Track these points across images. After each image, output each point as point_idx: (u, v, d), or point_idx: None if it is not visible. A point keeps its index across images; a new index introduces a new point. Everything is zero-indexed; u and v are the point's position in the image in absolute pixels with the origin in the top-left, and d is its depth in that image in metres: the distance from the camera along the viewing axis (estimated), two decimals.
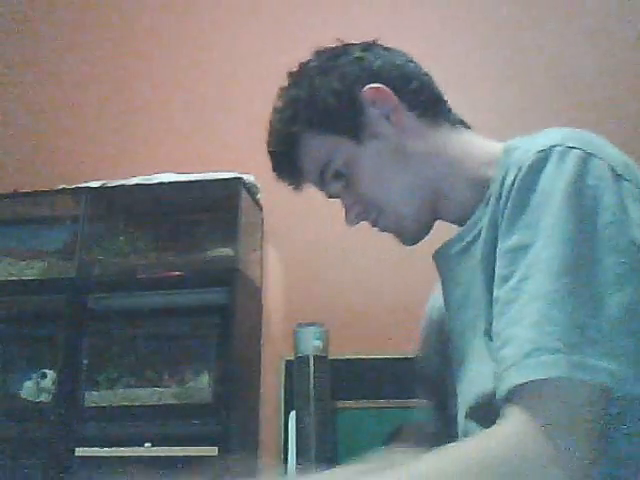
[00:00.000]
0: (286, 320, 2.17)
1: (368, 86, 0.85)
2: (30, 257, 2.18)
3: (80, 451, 1.87)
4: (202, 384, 1.98)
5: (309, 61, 0.93)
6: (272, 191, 2.35)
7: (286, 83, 0.95)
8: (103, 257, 2.11)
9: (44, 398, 1.99)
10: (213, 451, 1.80)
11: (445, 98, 0.91)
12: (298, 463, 1.86)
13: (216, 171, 2.13)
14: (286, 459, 1.98)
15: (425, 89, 0.88)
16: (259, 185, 2.22)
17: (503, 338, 0.64)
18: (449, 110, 0.90)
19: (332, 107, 0.87)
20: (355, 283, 2.18)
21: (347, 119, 0.86)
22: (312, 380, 1.89)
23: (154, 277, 2.04)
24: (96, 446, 1.88)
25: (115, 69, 2.61)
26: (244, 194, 2.12)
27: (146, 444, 1.85)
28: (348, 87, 0.87)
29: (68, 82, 2.63)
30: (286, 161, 0.95)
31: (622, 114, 2.22)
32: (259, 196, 2.24)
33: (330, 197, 0.95)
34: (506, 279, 0.66)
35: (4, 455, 1.93)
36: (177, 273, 2.03)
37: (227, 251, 2.06)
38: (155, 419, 1.90)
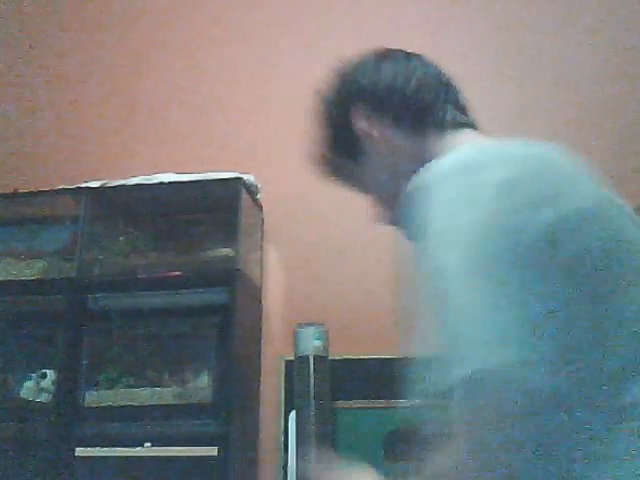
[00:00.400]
0: (286, 320, 2.17)
1: (353, 109, 0.94)
2: (30, 257, 2.18)
3: (80, 451, 1.87)
4: (202, 384, 1.98)
5: (323, 92, 1.02)
6: (272, 191, 2.37)
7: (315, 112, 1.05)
8: (103, 257, 2.11)
9: (44, 398, 1.99)
10: (213, 451, 1.80)
11: (438, 108, 0.94)
12: (298, 463, 1.86)
13: (216, 171, 2.13)
14: (286, 459, 1.98)
15: (409, 102, 0.93)
16: (259, 185, 2.22)
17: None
18: (439, 115, 0.93)
19: (332, 138, 0.99)
20: (355, 283, 2.18)
21: (346, 145, 0.97)
22: (312, 380, 1.89)
23: (154, 277, 2.04)
24: (96, 446, 1.88)
25: (115, 69, 2.61)
26: (244, 194, 2.11)
27: (146, 444, 1.85)
28: (340, 117, 0.96)
29: (68, 82, 2.63)
30: (329, 176, 1.06)
31: (622, 114, 2.22)
32: (259, 196, 2.24)
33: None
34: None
35: (4, 455, 1.93)
36: (177, 273, 2.03)
37: (227, 251, 2.06)
38: (155, 419, 1.90)
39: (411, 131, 0.92)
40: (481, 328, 0.65)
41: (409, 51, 1.00)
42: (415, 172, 0.85)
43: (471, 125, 0.95)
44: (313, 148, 1.03)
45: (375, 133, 0.93)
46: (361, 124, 0.94)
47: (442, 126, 0.92)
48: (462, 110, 0.97)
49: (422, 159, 0.87)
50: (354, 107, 0.94)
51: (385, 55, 0.98)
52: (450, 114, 0.94)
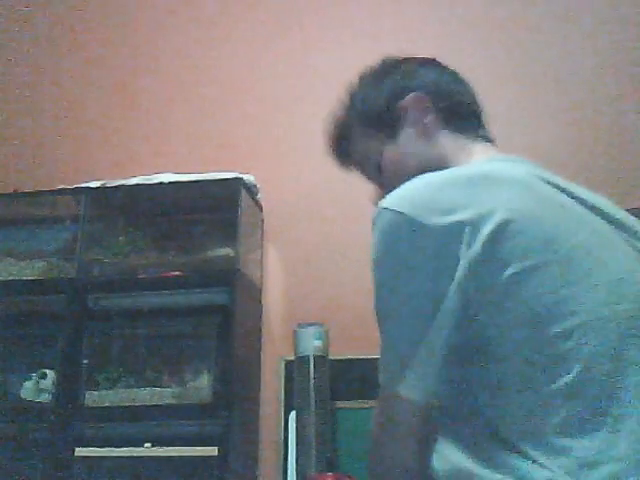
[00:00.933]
0: (286, 320, 2.17)
1: (413, 94, 1.02)
2: (30, 257, 2.17)
3: (80, 451, 1.87)
4: (202, 384, 1.98)
5: (375, 65, 1.10)
6: (272, 191, 2.37)
7: (356, 80, 1.11)
8: (103, 257, 2.11)
9: (44, 398, 1.99)
10: (213, 451, 1.80)
11: (481, 117, 1.06)
12: (298, 463, 1.86)
13: (216, 171, 2.13)
14: (286, 459, 1.98)
15: (463, 106, 1.04)
16: (259, 185, 2.22)
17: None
18: (478, 126, 1.04)
19: (379, 107, 1.04)
20: (355, 283, 2.18)
21: (389, 121, 1.03)
22: (312, 380, 1.89)
23: (154, 277, 2.04)
24: (96, 446, 1.88)
25: (115, 69, 2.61)
26: (244, 194, 2.11)
27: (146, 444, 1.85)
28: (396, 93, 1.03)
29: (68, 82, 2.63)
30: (339, 146, 1.12)
31: (622, 114, 2.22)
32: (259, 196, 2.24)
33: (367, 179, 1.11)
34: None
35: (4, 455, 1.93)
36: (177, 273, 2.03)
37: (227, 251, 2.06)
38: (155, 419, 1.90)
39: (452, 133, 1.01)
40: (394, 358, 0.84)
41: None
42: (437, 167, 0.93)
43: (487, 138, 1.04)
44: (344, 112, 1.09)
45: (427, 120, 1.01)
46: (418, 106, 1.01)
47: (475, 135, 1.02)
48: (481, 124, 1.06)
49: (447, 156, 0.99)
50: (414, 94, 1.01)
51: (442, 64, 1.09)
52: (482, 130, 1.04)
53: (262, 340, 2.19)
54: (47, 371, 2.01)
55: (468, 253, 0.76)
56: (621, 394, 0.71)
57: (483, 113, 1.07)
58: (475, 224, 0.76)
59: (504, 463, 0.73)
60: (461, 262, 0.76)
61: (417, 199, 0.82)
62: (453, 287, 0.76)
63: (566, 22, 2.36)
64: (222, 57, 2.55)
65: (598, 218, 0.85)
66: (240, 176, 2.11)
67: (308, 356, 1.92)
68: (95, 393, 1.95)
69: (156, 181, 2.12)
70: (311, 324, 1.96)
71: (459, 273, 0.76)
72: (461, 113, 1.03)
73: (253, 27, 2.55)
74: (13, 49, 2.72)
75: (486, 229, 0.76)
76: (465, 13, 2.42)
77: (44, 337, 2.12)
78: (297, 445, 1.88)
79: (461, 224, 0.77)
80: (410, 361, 0.79)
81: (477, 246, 0.76)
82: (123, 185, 2.15)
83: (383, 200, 0.84)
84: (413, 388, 0.80)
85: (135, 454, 1.85)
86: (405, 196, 0.83)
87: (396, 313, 0.82)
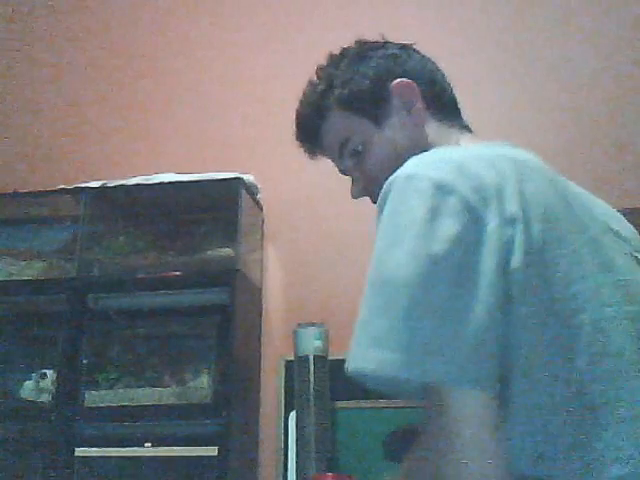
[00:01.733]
0: (286, 320, 2.17)
1: (399, 79, 0.97)
2: (30, 257, 2.17)
3: (80, 451, 1.87)
4: (202, 384, 1.98)
5: (350, 47, 1.04)
6: (272, 191, 2.37)
7: (325, 62, 1.05)
8: (103, 257, 2.11)
9: (44, 398, 1.99)
10: (213, 451, 1.80)
11: (459, 106, 1.03)
12: (298, 463, 1.86)
13: (216, 171, 2.13)
14: (286, 459, 1.98)
15: (445, 95, 1.01)
16: (259, 185, 2.22)
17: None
18: (459, 116, 1.02)
19: (363, 91, 0.98)
20: (355, 283, 2.16)
21: (374, 104, 0.97)
22: (312, 380, 1.89)
23: (154, 277, 2.04)
24: (96, 446, 1.88)
25: (115, 69, 2.61)
26: (244, 194, 2.11)
27: (146, 444, 1.85)
28: (381, 77, 0.98)
29: (68, 82, 2.63)
30: (311, 130, 1.04)
31: (622, 114, 2.22)
32: (259, 196, 2.24)
33: (342, 172, 1.05)
34: None
35: (4, 455, 1.93)
36: (177, 273, 2.03)
37: (227, 251, 2.06)
38: (155, 419, 1.90)
39: (440, 121, 0.98)
40: (365, 330, 0.73)
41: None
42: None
43: (472, 131, 1.01)
44: (318, 94, 1.01)
45: (415, 107, 0.96)
46: (406, 92, 0.97)
47: (460, 124, 1.00)
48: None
49: (439, 145, 0.94)
50: (400, 80, 0.97)
51: (420, 51, 1.05)
52: (462, 120, 1.02)
53: (262, 340, 2.19)
54: (47, 371, 2.01)
55: (508, 231, 0.69)
56: (622, 395, 0.70)
57: (459, 103, 1.04)
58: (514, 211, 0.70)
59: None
60: (502, 240, 0.68)
61: (446, 167, 0.74)
62: (495, 261, 0.67)
63: (566, 22, 2.36)
64: (222, 57, 2.55)
65: (598, 220, 0.82)
66: (240, 176, 2.11)
67: (308, 356, 1.92)
68: (95, 393, 1.95)
69: (156, 181, 2.12)
70: (311, 324, 1.96)
71: (502, 249, 0.68)
72: (445, 102, 1.00)
73: (253, 27, 2.55)
74: (13, 49, 2.72)
75: (521, 214, 0.70)
76: (465, 13, 2.42)
77: (44, 337, 2.12)
78: (297, 445, 1.88)
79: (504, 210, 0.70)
80: (465, 342, 0.65)
81: (521, 227, 0.69)
82: (123, 185, 2.15)
83: (403, 169, 0.76)
84: (482, 379, 0.65)
85: (135, 454, 1.85)
86: (430, 163, 0.76)
87: (434, 284, 0.67)
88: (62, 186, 2.21)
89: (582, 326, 0.70)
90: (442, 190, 0.71)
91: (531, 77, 2.31)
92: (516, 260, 0.69)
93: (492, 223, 0.69)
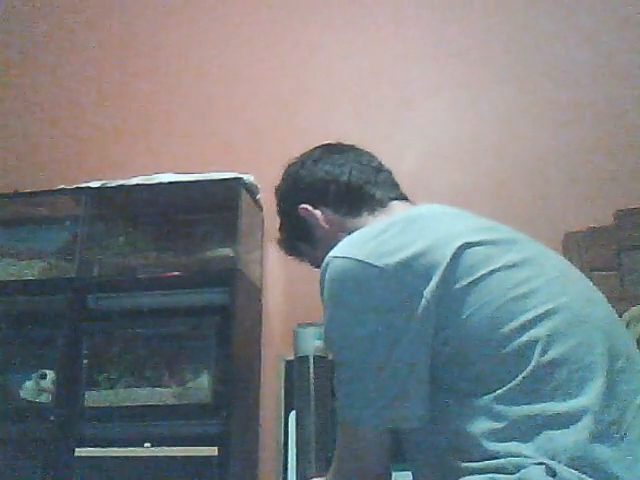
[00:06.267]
0: (286, 320, 2.17)
1: (298, 207, 1.15)
2: (30, 257, 2.17)
3: (80, 451, 1.87)
4: (202, 384, 1.98)
5: (278, 188, 1.27)
6: (272, 191, 2.36)
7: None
8: (103, 257, 2.11)
9: (44, 398, 1.99)
10: (213, 451, 1.80)
11: (369, 189, 1.13)
12: (298, 463, 1.86)
13: (216, 171, 2.13)
14: (286, 459, 1.98)
15: (345, 191, 1.13)
16: (259, 185, 2.22)
17: None
18: (371, 197, 1.12)
19: (290, 226, 1.23)
20: None
21: (300, 233, 1.19)
22: (312, 380, 1.89)
23: (154, 277, 2.04)
24: (96, 446, 1.88)
25: (115, 69, 2.61)
26: (244, 194, 2.11)
27: (146, 444, 1.85)
28: (292, 210, 1.18)
29: (68, 82, 2.63)
30: (283, 235, 1.30)
31: (622, 114, 2.22)
32: (259, 196, 2.24)
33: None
34: None
35: (4, 455, 1.93)
36: (177, 273, 2.03)
37: (227, 251, 2.06)
38: (155, 419, 1.90)
39: (348, 211, 1.12)
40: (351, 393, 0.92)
41: (345, 144, 1.22)
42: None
43: (402, 198, 1.14)
44: (279, 233, 1.27)
45: (320, 218, 1.13)
46: (307, 214, 1.14)
47: (373, 203, 1.11)
48: (393, 187, 1.16)
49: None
50: (302, 202, 1.15)
51: (322, 153, 1.20)
52: (380, 192, 1.12)
53: (262, 340, 2.19)
54: (47, 371, 2.01)
55: (427, 279, 0.85)
56: (586, 374, 0.80)
57: (389, 177, 1.16)
58: (427, 253, 0.86)
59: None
60: (423, 289, 0.85)
61: (364, 246, 0.90)
62: (419, 315, 0.85)
63: (566, 22, 2.36)
64: (222, 57, 2.55)
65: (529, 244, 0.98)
66: (240, 176, 2.11)
67: (308, 356, 1.91)
68: (95, 393, 1.95)
69: (156, 181, 2.12)
70: (311, 324, 1.95)
71: (423, 300, 0.85)
72: (348, 197, 1.12)
73: (254, 27, 2.55)
74: (13, 49, 2.72)
75: (441, 256, 0.86)
76: (464, 13, 2.42)
77: (44, 337, 2.12)
78: (297, 445, 1.88)
79: (413, 257, 0.86)
80: (399, 391, 0.87)
81: (437, 270, 0.85)
82: (123, 185, 2.15)
83: (330, 253, 0.93)
84: (407, 417, 0.88)
85: (135, 454, 1.85)
86: (352, 244, 0.93)
87: (377, 359, 0.88)
88: (62, 186, 2.21)
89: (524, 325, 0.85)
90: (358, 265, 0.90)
91: (531, 77, 2.31)
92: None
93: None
